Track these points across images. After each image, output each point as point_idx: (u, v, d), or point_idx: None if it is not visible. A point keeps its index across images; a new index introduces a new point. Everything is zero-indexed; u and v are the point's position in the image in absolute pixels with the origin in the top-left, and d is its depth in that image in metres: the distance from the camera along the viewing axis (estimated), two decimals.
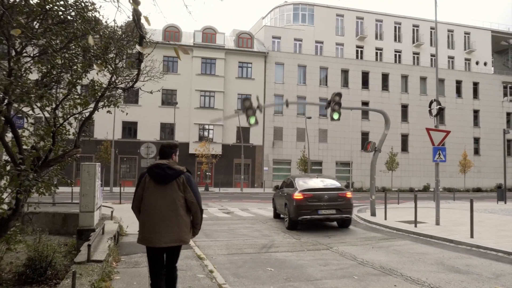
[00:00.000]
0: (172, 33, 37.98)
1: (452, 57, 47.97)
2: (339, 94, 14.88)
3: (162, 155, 4.41)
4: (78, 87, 6.35)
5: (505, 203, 23.87)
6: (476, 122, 44.90)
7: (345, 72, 42.26)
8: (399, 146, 42.10)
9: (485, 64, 49.18)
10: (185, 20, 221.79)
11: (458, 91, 45.23)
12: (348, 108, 18.16)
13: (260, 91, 38.89)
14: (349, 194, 12.04)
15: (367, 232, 11.72)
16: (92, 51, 5.85)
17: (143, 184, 4.17)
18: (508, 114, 46.96)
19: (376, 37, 45.70)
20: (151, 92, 7.37)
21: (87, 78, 6.43)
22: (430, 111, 13.19)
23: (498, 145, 45.87)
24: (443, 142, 13.02)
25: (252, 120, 13.74)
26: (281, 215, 13.36)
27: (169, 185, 4.12)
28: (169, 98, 37.22)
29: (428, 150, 43.19)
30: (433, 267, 7.29)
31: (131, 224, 11.13)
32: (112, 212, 9.93)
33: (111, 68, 6.05)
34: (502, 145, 46.23)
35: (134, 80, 5.77)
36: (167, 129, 36.66)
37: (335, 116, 14.87)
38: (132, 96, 36.16)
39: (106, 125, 32.37)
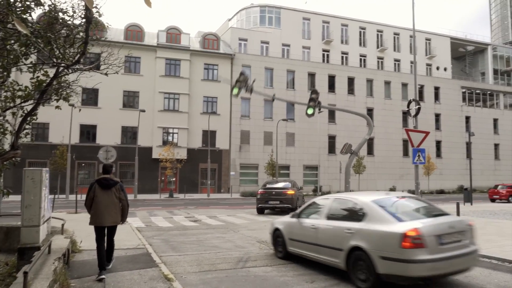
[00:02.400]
0: (134, 32, 36.28)
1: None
2: (315, 91, 15.45)
3: (105, 171, 6.85)
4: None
5: (471, 204, 24.11)
6: (437, 126, 46.00)
7: (311, 76, 42.07)
8: (365, 149, 42.29)
9: (445, 69, 50.68)
10: (148, 19, 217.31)
11: (421, 96, 46.18)
12: (335, 109, 17.27)
13: (227, 93, 37.93)
14: (290, 192, 18.18)
15: None
16: (32, 26, 4.67)
17: (94, 189, 6.61)
18: (467, 117, 48.50)
19: (342, 42, 45.95)
20: (106, 74, 6.17)
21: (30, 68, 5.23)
22: (408, 112, 12.69)
23: (458, 147, 47.32)
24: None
25: (236, 91, 13.59)
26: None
27: (110, 190, 6.59)
28: (131, 101, 35.44)
29: (392, 154, 44.09)
30: None
31: (86, 238, 9.80)
32: (63, 225, 8.59)
33: (57, 51, 4.88)
34: (462, 147, 47.77)
35: (81, 53, 4.60)
36: (129, 132, 34.86)
37: (309, 111, 15.12)
38: (90, 98, 34.19)
39: (62, 128, 30.35)
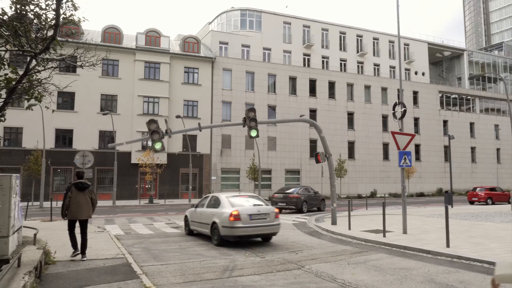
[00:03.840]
0: (112, 34, 35.43)
1: (394, 67, 49.74)
2: (253, 110, 13.70)
3: (79, 177, 8.47)
4: None
5: (452, 207, 24.31)
6: (416, 129, 46.64)
7: (293, 80, 42.04)
8: (346, 153, 42.50)
9: (423, 74, 51.57)
10: (127, 22, 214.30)
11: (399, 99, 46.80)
12: (265, 123, 17.18)
13: (207, 97, 37.47)
14: (294, 195, 21.83)
15: (335, 244, 10.71)
16: None
17: (71, 192, 8.22)
18: (445, 121, 49.39)
19: (323, 46, 46.16)
20: (81, 66, 5.70)
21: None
22: (394, 114, 12.56)
23: (437, 151, 48.11)
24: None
25: (158, 146, 11.94)
26: None
27: (84, 191, 8.31)
28: (109, 104, 34.54)
29: (373, 157, 44.41)
30: (425, 285, 6.34)
31: (61, 248, 9.23)
32: (35, 234, 8.01)
33: (24, 39, 4.41)
34: (441, 151, 48.57)
35: (51, 38, 4.15)
36: (107, 137, 33.90)
37: (253, 133, 13.61)
38: (66, 102, 33.14)
39: (36, 132, 29.28)
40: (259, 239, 11.26)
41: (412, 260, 8.45)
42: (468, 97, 52.47)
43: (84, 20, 6.13)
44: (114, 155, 30.83)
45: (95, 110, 33.46)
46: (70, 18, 5.74)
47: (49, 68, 5.44)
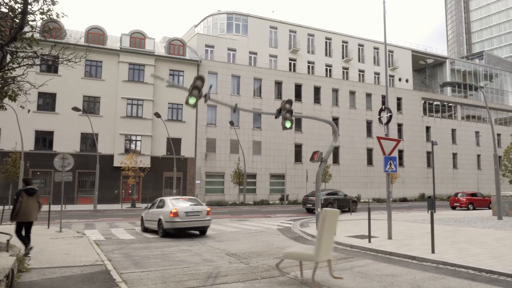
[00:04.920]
0: (96, 35, 34.83)
1: (378, 73, 50.29)
2: (289, 102, 13.71)
3: (28, 183, 9.34)
4: None
5: (435, 212, 24.50)
6: (400, 135, 47.14)
7: (278, 84, 42.05)
8: (331, 158, 42.60)
9: (406, 81, 52.27)
10: (111, 23, 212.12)
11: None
12: (301, 116, 17.07)
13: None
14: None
15: None
16: None
17: (21, 197, 8.97)
18: (427, 128, 50.10)
19: (308, 51, 46.36)
20: (56, 60, 5.43)
21: None
22: (379, 119, 12.55)
23: (420, 157, 48.71)
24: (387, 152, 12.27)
25: (193, 101, 11.53)
26: None
27: (33, 196, 9.17)
28: (91, 106, 33.88)
29: (357, 162, 44.67)
30: None
31: (37, 254, 8.86)
32: (8, 240, 7.63)
33: None
34: (423, 157, 49.21)
35: (18, 27, 3.89)
36: (89, 139, 33.21)
37: (287, 124, 13.52)
38: (47, 103, 32.40)
39: (15, 134, 28.50)
40: (197, 232, 14.14)
41: (398, 266, 8.36)
42: (450, 104, 53.39)
43: (63, 16, 5.87)
44: (96, 158, 30.22)
45: (77, 112, 32.76)
46: (48, 13, 5.48)
47: (24, 66, 5.16)
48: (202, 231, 13.89)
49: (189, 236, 13.65)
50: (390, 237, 11.81)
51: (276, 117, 13.50)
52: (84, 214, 23.59)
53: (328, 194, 26.07)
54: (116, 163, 32.92)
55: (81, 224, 17.85)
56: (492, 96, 60.73)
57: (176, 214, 12.87)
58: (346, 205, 26.18)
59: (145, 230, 14.95)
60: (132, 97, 34.46)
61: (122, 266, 8.38)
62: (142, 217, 15.47)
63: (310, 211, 25.45)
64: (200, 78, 11.50)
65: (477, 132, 53.87)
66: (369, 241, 11.08)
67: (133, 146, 34.35)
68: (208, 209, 13.80)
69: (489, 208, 29.02)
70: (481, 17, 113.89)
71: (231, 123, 36.98)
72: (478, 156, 53.35)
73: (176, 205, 13.39)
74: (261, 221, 19.46)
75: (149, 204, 15.99)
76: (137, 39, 36.01)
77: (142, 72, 35.30)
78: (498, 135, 52.92)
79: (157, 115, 31.23)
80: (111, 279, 6.93)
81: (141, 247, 11.13)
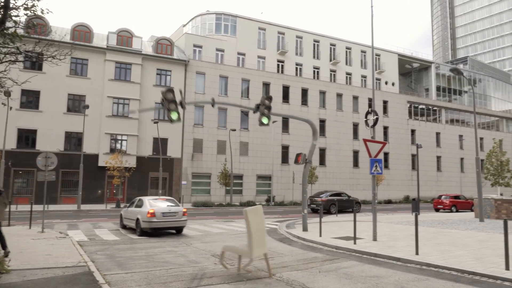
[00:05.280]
0: (82, 33, 34.35)
1: (365, 76, 50.76)
2: (269, 98, 13.37)
3: None
4: None
5: (419, 214, 24.81)
6: (385, 138, 47.63)
7: (266, 85, 42.08)
8: (317, 159, 42.82)
9: (392, 84, 52.86)
10: (98, 20, 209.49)
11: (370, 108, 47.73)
12: (277, 115, 17.21)
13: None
14: (322, 199, 26.20)
15: (306, 252, 10.59)
16: None
17: None
18: (412, 131, 50.75)
19: (296, 53, 46.53)
20: (41, 58, 5.32)
21: None
22: (366, 122, 12.66)
23: (405, 159, 49.29)
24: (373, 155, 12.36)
25: (175, 116, 11.36)
26: None
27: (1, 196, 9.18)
28: (76, 105, 33.39)
29: (343, 164, 44.98)
30: None
31: (18, 255, 8.68)
32: None
33: None
34: (408, 159, 49.80)
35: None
36: (74, 138, 32.72)
37: (265, 120, 13.29)
38: (30, 101, 31.83)
39: None
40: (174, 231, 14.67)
41: (382, 267, 8.43)
42: (435, 108, 54.18)
43: (48, 12, 5.76)
44: (80, 157, 29.80)
45: (61, 110, 32.28)
46: (32, 9, 5.37)
47: (6, 62, 5.04)
48: (178, 230, 14.52)
49: (174, 237, 13.55)
50: (375, 239, 11.90)
51: (254, 112, 13.31)
52: (67, 214, 23.21)
53: (331, 195, 27.44)
54: (101, 163, 32.49)
55: (64, 224, 17.56)
56: (475, 100, 61.80)
57: (153, 215, 13.36)
58: (350, 206, 27.25)
59: (124, 227, 15.81)
60: (119, 96, 34.07)
61: (105, 267, 8.26)
62: (121, 214, 16.19)
63: (315, 211, 26.42)
64: (168, 91, 11.40)
65: (460, 136, 54.78)
66: (354, 243, 11.15)
67: (118, 146, 33.96)
68: (184, 210, 14.47)
69: (472, 210, 29.53)
70: (465, 23, 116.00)
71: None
72: (462, 159, 54.26)
73: (153, 205, 13.84)
74: None
75: (129, 203, 16.94)
76: (124, 37, 35.65)
77: (129, 71, 34.94)
78: (481, 139, 53.90)
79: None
80: (94, 280, 6.82)
81: (125, 248, 10.99)
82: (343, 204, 26.75)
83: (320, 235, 12.91)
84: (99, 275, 7.26)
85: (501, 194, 35.90)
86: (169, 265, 8.60)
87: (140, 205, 14.33)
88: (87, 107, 30.10)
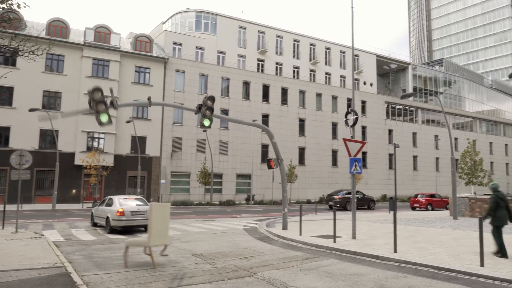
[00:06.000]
0: (58, 28, 33.48)
1: (344, 76, 51.35)
2: (211, 98, 12.36)
3: None
4: None
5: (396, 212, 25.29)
6: (364, 138, 48.32)
7: (246, 84, 42.05)
8: (297, 159, 43.10)
9: (371, 84, 53.68)
10: (75, 16, 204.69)
11: (349, 108, 48.31)
12: (219, 117, 16.29)
13: (159, 98, 36.45)
14: (339, 197, 28.65)
15: (286, 250, 10.63)
16: None
17: None
18: (390, 131, 51.68)
19: (277, 52, 46.66)
20: (15, 52, 5.14)
21: None
22: (346, 121, 12.80)
23: (382, 158, 50.14)
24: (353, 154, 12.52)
25: (104, 118, 10.11)
26: None
27: None
28: (52, 102, 32.54)
29: (322, 163, 45.41)
30: None
31: None
32: None
33: None
34: (385, 159, 50.67)
35: None
36: (49, 136, 31.87)
37: (206, 123, 12.26)
38: (3, 97, 30.84)
39: None
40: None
41: (362, 265, 8.54)
42: (411, 108, 55.32)
43: (25, 6, 5.58)
44: (55, 155, 29.06)
45: (36, 107, 31.32)
46: (8, 2, 5.19)
47: None
48: (147, 228, 14.60)
49: None
50: (354, 237, 12.06)
51: (195, 113, 12.61)
52: (42, 214, 22.61)
53: (347, 194, 29.35)
54: (77, 161, 31.79)
55: (39, 224, 17.09)
56: (450, 101, 63.47)
57: (122, 213, 13.97)
58: (365, 203, 29.73)
59: (95, 224, 16.34)
60: None
61: (83, 268, 8.08)
62: (92, 213, 16.76)
63: (332, 208, 27.71)
64: (95, 90, 10.03)
65: (436, 136, 56.11)
66: (334, 241, 11.26)
67: (95, 144, 33.30)
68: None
69: (447, 209, 30.30)
70: (441, 25, 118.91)
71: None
72: (437, 159, 55.61)
73: (123, 204, 14.50)
74: (227, 221, 19.37)
75: (99, 202, 17.71)
76: (102, 33, 34.95)
77: (107, 68, 34.29)
78: (456, 139, 55.36)
79: (149, 99, 30.58)
80: (72, 281, 6.66)
81: (103, 248, 10.78)
82: (358, 202, 28.32)
83: (300, 234, 12.98)
84: (77, 276, 7.09)
85: (475, 193, 36.97)
86: (149, 265, 8.47)
87: (110, 203, 14.87)
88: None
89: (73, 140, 32.43)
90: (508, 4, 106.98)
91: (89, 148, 32.44)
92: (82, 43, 33.80)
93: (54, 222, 18.38)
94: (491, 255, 9.14)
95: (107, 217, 14.44)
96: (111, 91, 10.76)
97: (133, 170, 33.27)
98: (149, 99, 11.86)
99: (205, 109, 12.16)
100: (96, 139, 33.45)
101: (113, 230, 14.26)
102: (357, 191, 31.44)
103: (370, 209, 30.20)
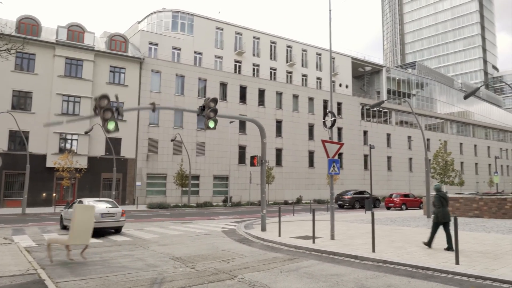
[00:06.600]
0: (29, 26, 32.41)
1: (320, 78, 51.91)
2: (214, 100, 12.69)
3: None
4: None
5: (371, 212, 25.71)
6: (339, 139, 48.96)
7: (223, 85, 41.90)
8: (274, 160, 43.25)
9: (346, 86, 54.48)
10: (47, 14, 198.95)
11: (325, 110, 48.89)
12: (223, 117, 16.54)
13: (134, 99, 35.86)
14: (347, 197, 32.29)
15: (266, 252, 10.60)
16: None
17: None
18: (365, 132, 52.59)
19: (254, 54, 46.70)
20: None
21: None
22: (324, 123, 12.89)
23: (358, 159, 50.95)
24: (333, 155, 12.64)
25: (112, 126, 9.99)
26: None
27: None
28: (22, 102, 31.47)
29: (299, 164, 45.74)
30: None
31: None
32: None
33: None
34: (361, 159, 51.50)
35: None
36: (18, 138, 30.75)
37: (211, 124, 12.66)
38: None
39: None
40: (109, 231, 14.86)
41: (341, 266, 8.61)
42: (385, 110, 56.49)
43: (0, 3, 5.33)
44: (26, 157, 28.07)
45: (5, 107, 30.24)
46: None
47: None
48: (117, 230, 15.27)
49: (130, 241, 13.10)
50: (333, 238, 12.16)
51: (198, 115, 12.72)
52: (11, 219, 21.80)
53: (355, 193, 33.30)
54: (49, 164, 30.85)
55: (8, 229, 16.45)
56: (423, 103, 65.16)
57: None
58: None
59: (64, 227, 16.19)
60: (69, 93, 32.51)
61: (57, 274, 7.80)
62: (61, 216, 16.69)
63: (342, 206, 32.26)
64: (103, 97, 9.94)
65: (409, 137, 57.51)
66: (313, 242, 11.32)
67: (68, 146, 32.41)
68: (122, 210, 15.23)
69: (420, 208, 31.05)
70: (413, 29, 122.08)
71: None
72: (410, 159, 56.97)
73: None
74: (205, 224, 19.20)
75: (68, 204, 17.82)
76: (75, 32, 34.08)
77: (80, 68, 33.45)
78: (428, 140, 56.86)
79: (153, 104, 29.78)
80: None
81: (78, 253, 10.45)
82: (365, 201, 29.88)
83: (279, 235, 12.99)
84: (51, 283, 6.84)
85: (446, 192, 38.00)
86: (127, 270, 8.27)
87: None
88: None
89: (45, 142, 31.46)
90: (476, 10, 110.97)
91: (62, 150, 31.55)
92: (55, 41, 32.87)
93: (25, 226, 17.74)
94: (443, 250, 9.96)
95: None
96: (117, 98, 10.69)
97: (108, 172, 32.55)
98: (152, 104, 12.02)
99: (209, 111, 12.39)
100: (69, 141, 32.58)
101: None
102: (364, 191, 34.71)
103: (376, 207, 32.46)
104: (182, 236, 14.28)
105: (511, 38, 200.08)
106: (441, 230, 10.29)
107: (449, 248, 9.82)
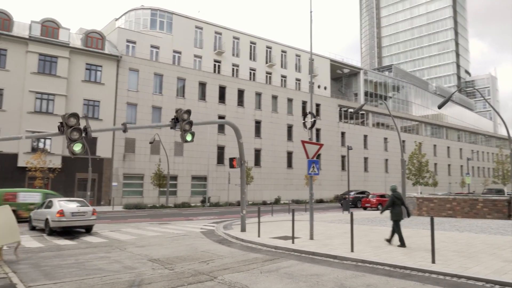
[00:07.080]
0: (0, 20, 31.32)
1: (299, 79, 52.24)
2: (188, 112, 11.83)
3: None
4: None
5: (349, 212, 26.03)
6: (318, 140, 49.40)
7: (202, 85, 41.60)
8: (253, 160, 43.23)
9: (325, 88, 55.02)
10: (19, 8, 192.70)
11: (304, 111, 49.24)
12: (199, 124, 16.07)
13: (111, 98, 35.17)
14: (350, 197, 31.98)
15: (246, 253, 10.55)
16: None
17: None
18: (342, 133, 53.25)
19: (233, 54, 46.58)
20: None
21: None
22: (304, 124, 12.95)
23: (335, 160, 51.53)
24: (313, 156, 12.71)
25: (78, 148, 9.25)
26: None
27: None
28: None
29: (278, 165, 45.88)
30: None
31: None
32: None
33: None
34: (338, 160, 52.07)
35: None
36: None
37: (189, 138, 11.82)
38: None
39: None
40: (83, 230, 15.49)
41: (321, 265, 8.64)
42: (362, 112, 57.33)
43: None
44: None
45: None
46: None
47: None
48: (87, 229, 15.42)
49: (106, 242, 12.81)
50: (312, 238, 12.21)
51: (171, 128, 11.77)
52: None
53: (357, 193, 35.24)
54: (21, 163, 29.87)
55: None
56: (398, 106, 66.52)
57: (62, 214, 14.20)
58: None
59: (33, 228, 16.32)
60: (42, 91, 31.58)
61: (30, 278, 7.52)
62: (30, 216, 16.70)
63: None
64: (71, 116, 9.26)
65: (385, 138, 58.59)
66: (293, 242, 11.34)
67: (41, 145, 31.48)
68: (94, 209, 15.43)
69: None
70: (390, 33, 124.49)
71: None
72: (386, 160, 58.04)
73: (63, 206, 14.71)
74: (183, 224, 18.99)
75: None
76: (50, 28, 33.15)
77: (55, 64, 32.52)
78: (403, 141, 58.02)
79: (124, 125, 29.06)
80: None
81: (52, 256, 10.14)
82: (342, 202, 30.59)
83: (259, 236, 12.97)
84: (23, 287, 6.58)
85: (421, 193, 38.92)
86: (103, 272, 8.06)
87: (50, 206, 15.04)
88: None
89: (16, 141, 30.40)
90: (450, 16, 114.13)
91: (34, 149, 30.62)
92: (27, 37, 31.87)
93: None
94: (384, 241, 11.38)
95: (47, 219, 14.61)
96: (86, 117, 9.90)
97: (83, 172, 31.77)
98: (123, 124, 10.87)
99: (184, 123, 11.51)
100: (42, 140, 31.63)
101: (52, 231, 14.41)
102: (365, 191, 36.69)
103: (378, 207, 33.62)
104: (160, 237, 14.07)
105: (483, 44, 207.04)
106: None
107: (389, 241, 11.09)
